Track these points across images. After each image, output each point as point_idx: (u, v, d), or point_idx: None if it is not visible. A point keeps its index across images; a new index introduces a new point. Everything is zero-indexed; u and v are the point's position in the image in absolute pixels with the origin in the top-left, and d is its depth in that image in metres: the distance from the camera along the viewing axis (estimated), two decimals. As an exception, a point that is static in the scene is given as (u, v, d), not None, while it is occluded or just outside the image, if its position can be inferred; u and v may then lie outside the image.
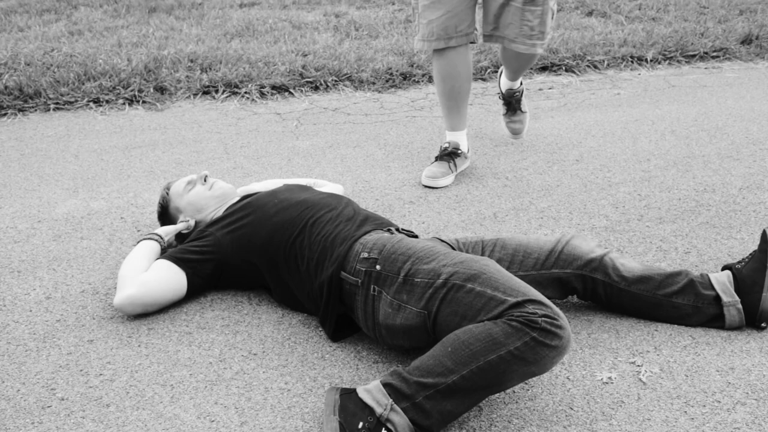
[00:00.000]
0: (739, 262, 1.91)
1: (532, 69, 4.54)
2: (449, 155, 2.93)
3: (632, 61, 4.74)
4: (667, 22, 5.48)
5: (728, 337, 1.84)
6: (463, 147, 2.98)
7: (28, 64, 4.40)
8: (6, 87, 4.02)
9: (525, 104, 3.29)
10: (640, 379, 1.69)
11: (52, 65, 4.39)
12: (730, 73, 4.59)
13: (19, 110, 3.92)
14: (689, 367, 1.73)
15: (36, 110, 3.94)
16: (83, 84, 4.14)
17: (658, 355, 1.78)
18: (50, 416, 1.62)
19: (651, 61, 4.75)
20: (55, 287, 2.17)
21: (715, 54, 4.88)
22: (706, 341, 1.83)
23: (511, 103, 3.26)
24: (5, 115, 3.87)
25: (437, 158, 2.95)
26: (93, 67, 4.31)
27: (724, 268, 1.96)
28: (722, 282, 1.87)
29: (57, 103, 3.98)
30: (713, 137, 3.34)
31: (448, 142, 2.97)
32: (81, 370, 1.78)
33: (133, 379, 1.74)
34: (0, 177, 3.06)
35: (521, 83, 3.26)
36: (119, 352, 1.85)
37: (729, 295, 1.85)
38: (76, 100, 4.00)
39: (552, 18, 2.73)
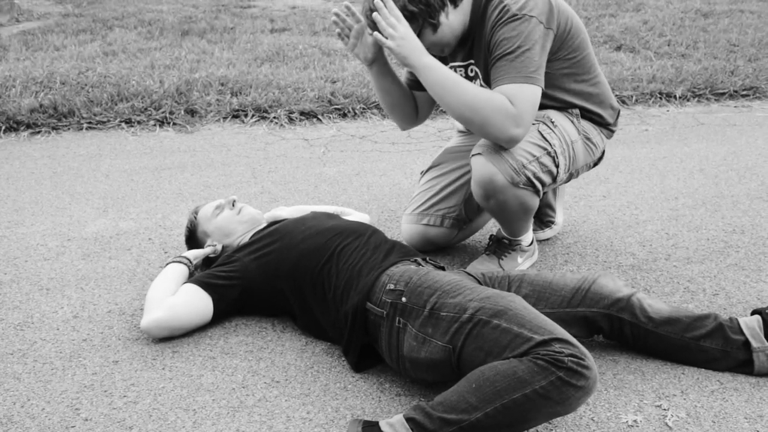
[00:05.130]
0: (768, 307, 1.89)
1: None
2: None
3: (661, 98, 4.73)
4: (697, 59, 5.47)
5: (757, 384, 1.81)
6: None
7: (63, 84, 4.50)
8: (41, 105, 4.10)
9: (515, 265, 2.38)
10: (666, 424, 1.67)
11: (86, 85, 4.48)
12: (760, 113, 4.55)
13: (53, 128, 4.00)
14: (717, 413, 1.70)
15: (69, 129, 4.02)
16: (116, 104, 4.22)
17: (684, 399, 1.75)
18: (74, 436, 1.63)
19: (680, 97, 4.74)
20: (83, 306, 2.19)
21: (745, 93, 4.86)
22: (734, 387, 1.80)
23: (497, 245, 2.40)
24: (39, 132, 3.95)
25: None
26: (126, 88, 4.39)
27: (753, 313, 1.93)
28: (752, 327, 1.84)
29: (90, 123, 4.05)
30: (743, 177, 3.32)
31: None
32: (105, 391, 1.79)
33: (157, 402, 1.75)
34: (32, 194, 3.11)
35: (532, 242, 2.43)
36: (143, 375, 1.86)
37: (759, 341, 1.82)
38: (109, 120, 4.08)
39: (552, 163, 2.15)
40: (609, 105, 2.35)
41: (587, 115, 2.30)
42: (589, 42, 2.25)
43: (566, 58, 2.18)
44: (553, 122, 2.18)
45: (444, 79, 2.01)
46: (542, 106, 2.17)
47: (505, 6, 2.03)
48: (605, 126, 2.36)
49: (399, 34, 1.98)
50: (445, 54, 2.22)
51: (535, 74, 2.01)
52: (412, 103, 2.37)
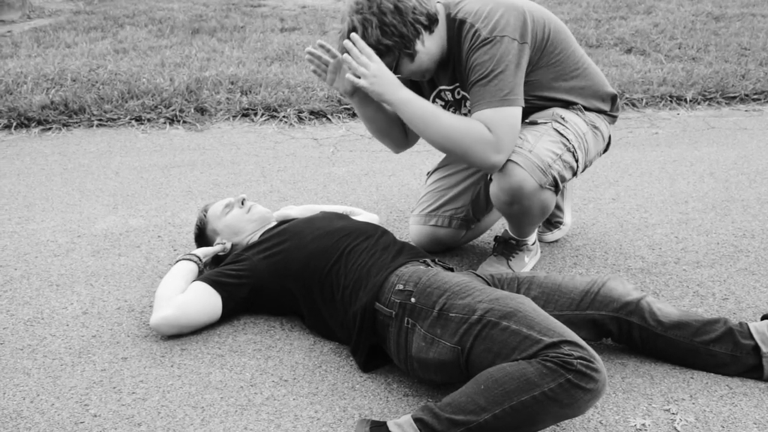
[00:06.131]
0: (779, 312, 1.88)
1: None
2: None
3: (671, 101, 4.71)
4: (708, 62, 5.45)
5: (766, 389, 1.80)
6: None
7: (74, 81, 4.52)
8: (52, 102, 4.12)
9: (522, 265, 2.39)
10: (675, 428, 1.66)
11: (97, 82, 4.49)
12: (771, 117, 4.53)
13: (64, 125, 4.02)
14: (725, 417, 1.70)
15: (80, 126, 4.04)
16: (126, 102, 4.23)
17: (693, 403, 1.75)
18: (83, 432, 1.64)
19: (690, 101, 4.72)
20: (92, 303, 2.20)
21: (756, 96, 4.83)
22: (743, 392, 1.79)
23: (505, 246, 2.39)
24: (50, 129, 3.97)
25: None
26: (136, 86, 4.41)
27: (763, 317, 1.92)
28: (762, 332, 1.83)
29: (100, 120, 4.07)
30: (753, 181, 3.30)
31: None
32: (114, 388, 1.80)
33: (165, 399, 1.76)
34: (43, 190, 3.13)
35: (535, 240, 2.44)
36: (152, 372, 1.86)
37: (768, 346, 1.81)
38: (119, 118, 4.09)
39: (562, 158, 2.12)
40: (604, 93, 2.30)
41: (587, 108, 2.29)
42: (572, 38, 2.22)
43: (550, 63, 2.15)
44: (563, 118, 2.17)
45: (421, 112, 2.01)
46: (543, 108, 2.18)
47: (476, 31, 2.00)
48: (606, 113, 2.34)
49: (371, 71, 1.97)
50: (426, 78, 2.20)
51: (510, 95, 1.99)
52: (399, 126, 2.34)
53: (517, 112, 2.01)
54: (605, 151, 2.41)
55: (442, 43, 2.09)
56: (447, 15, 2.08)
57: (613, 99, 2.33)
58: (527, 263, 2.40)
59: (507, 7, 2.03)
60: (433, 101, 2.27)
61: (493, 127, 1.98)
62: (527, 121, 2.17)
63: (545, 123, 2.14)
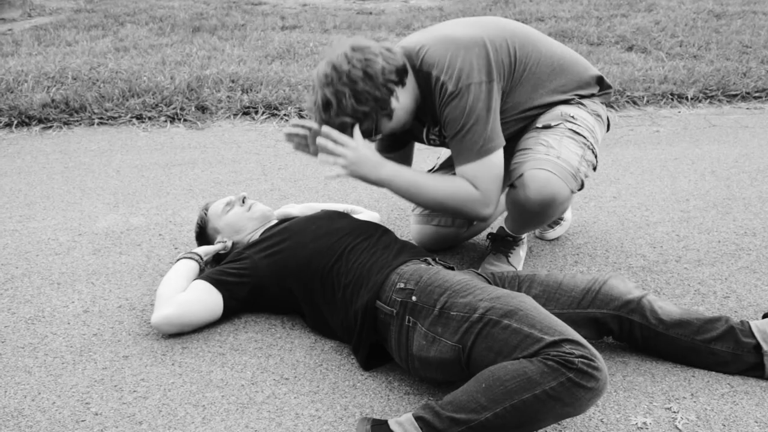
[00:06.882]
0: (780, 311, 1.88)
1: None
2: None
3: (672, 99, 4.71)
4: (709, 60, 5.44)
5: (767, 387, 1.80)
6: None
7: (75, 79, 4.51)
8: (53, 100, 4.12)
9: (519, 259, 2.43)
10: (676, 426, 1.66)
11: (97, 80, 4.49)
12: (772, 115, 4.53)
13: (65, 123, 4.02)
14: (727, 416, 1.70)
15: (81, 124, 4.03)
16: (127, 100, 4.23)
17: (694, 402, 1.75)
18: (84, 431, 1.64)
19: (691, 99, 4.71)
20: (93, 301, 2.20)
21: (757, 94, 4.82)
22: (744, 390, 1.79)
23: (502, 243, 2.41)
24: (51, 127, 3.97)
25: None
26: (137, 84, 4.40)
27: (765, 316, 1.92)
28: (763, 330, 1.83)
29: (101, 118, 4.07)
30: (754, 180, 3.30)
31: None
32: (115, 386, 1.80)
33: (166, 398, 1.76)
34: (44, 188, 3.12)
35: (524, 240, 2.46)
36: (153, 370, 1.87)
37: (770, 344, 1.81)
38: (120, 116, 4.09)
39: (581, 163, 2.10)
40: (588, 78, 2.24)
41: (581, 96, 2.25)
42: (540, 40, 2.17)
43: (524, 79, 2.11)
44: (572, 116, 2.15)
45: (407, 185, 2.02)
46: (536, 117, 2.16)
47: (442, 85, 1.98)
48: (598, 95, 2.29)
49: (349, 160, 1.96)
50: (406, 128, 2.17)
51: (486, 145, 1.99)
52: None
53: (496, 157, 2.02)
54: (606, 131, 2.40)
55: (415, 92, 2.06)
56: (413, 67, 2.04)
57: (598, 80, 2.27)
58: (522, 256, 2.42)
59: (467, 47, 1.99)
60: (428, 138, 2.26)
61: (476, 182, 2.01)
62: (540, 125, 2.13)
63: (558, 124, 2.12)
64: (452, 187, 2.03)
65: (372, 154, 2.01)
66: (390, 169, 2.02)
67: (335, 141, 1.96)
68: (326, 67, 1.94)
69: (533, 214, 2.08)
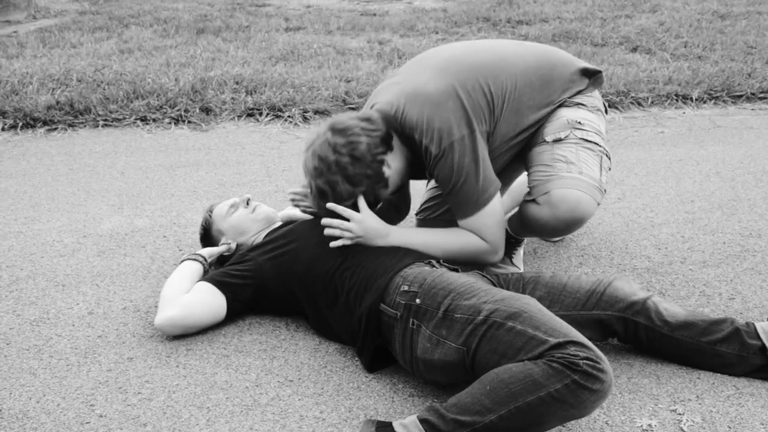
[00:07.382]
0: (786, 313, 1.87)
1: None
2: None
3: (677, 100, 4.69)
4: (714, 61, 5.43)
5: (773, 389, 1.80)
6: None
7: (80, 81, 4.52)
8: (58, 102, 4.13)
9: (520, 259, 2.44)
10: (682, 428, 1.65)
11: (102, 82, 4.50)
12: (777, 115, 4.51)
13: (70, 125, 4.03)
14: (732, 418, 1.69)
15: (85, 126, 4.04)
16: (132, 102, 4.24)
17: (700, 404, 1.74)
18: (89, 433, 1.65)
19: (696, 100, 4.70)
20: (98, 303, 2.20)
21: (762, 95, 4.81)
22: (750, 392, 1.78)
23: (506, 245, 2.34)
24: (56, 129, 3.98)
25: None
26: (141, 86, 4.41)
27: (770, 318, 1.92)
28: (769, 332, 1.83)
29: (106, 120, 4.08)
30: (759, 180, 3.29)
31: None
32: (120, 388, 1.80)
33: (171, 400, 1.76)
34: (49, 190, 3.13)
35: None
36: (157, 372, 1.87)
37: (775, 346, 1.81)
38: (124, 118, 4.10)
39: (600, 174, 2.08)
40: (572, 77, 2.17)
41: (572, 95, 2.19)
42: (511, 59, 2.11)
43: (507, 108, 2.07)
44: (579, 122, 2.11)
45: (416, 245, 2.04)
46: (535, 133, 2.13)
47: (426, 149, 1.98)
48: (590, 86, 2.23)
49: (356, 233, 1.97)
50: (404, 182, 2.17)
51: (482, 196, 1.99)
52: (391, 212, 2.34)
53: (495, 204, 2.03)
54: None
55: (404, 152, 2.05)
56: (395, 130, 2.02)
57: (583, 71, 2.20)
58: (521, 256, 2.43)
59: (439, 103, 1.96)
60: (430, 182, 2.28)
61: (481, 233, 2.03)
62: (550, 139, 2.08)
63: (567, 135, 2.08)
64: (460, 242, 2.05)
65: (377, 224, 2.02)
66: (396, 237, 2.04)
67: (340, 216, 1.98)
68: (313, 159, 1.96)
69: (557, 231, 2.07)
